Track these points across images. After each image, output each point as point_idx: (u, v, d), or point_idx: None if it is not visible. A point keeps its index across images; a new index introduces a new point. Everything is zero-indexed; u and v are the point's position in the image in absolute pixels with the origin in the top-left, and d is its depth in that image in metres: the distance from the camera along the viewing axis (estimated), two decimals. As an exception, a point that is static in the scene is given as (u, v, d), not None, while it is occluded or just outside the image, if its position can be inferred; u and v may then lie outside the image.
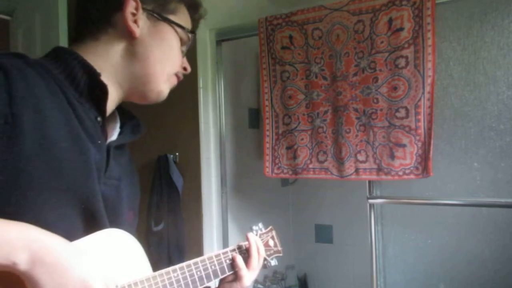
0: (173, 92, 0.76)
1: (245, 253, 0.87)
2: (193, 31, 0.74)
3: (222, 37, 1.81)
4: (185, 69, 0.77)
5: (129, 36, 0.66)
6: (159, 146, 1.78)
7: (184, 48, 0.75)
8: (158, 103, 0.75)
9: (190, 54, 1.71)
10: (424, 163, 1.38)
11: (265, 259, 0.92)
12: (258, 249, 0.88)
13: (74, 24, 0.70)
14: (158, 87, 0.71)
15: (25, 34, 1.91)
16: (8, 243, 0.46)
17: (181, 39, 0.73)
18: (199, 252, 1.72)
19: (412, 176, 1.41)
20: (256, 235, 0.92)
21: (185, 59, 0.77)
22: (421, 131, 1.39)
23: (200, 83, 1.72)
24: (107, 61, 0.67)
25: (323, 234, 2.33)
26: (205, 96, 1.75)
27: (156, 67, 0.69)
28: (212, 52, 1.80)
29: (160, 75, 0.70)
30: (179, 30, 0.71)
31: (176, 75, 0.75)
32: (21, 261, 0.47)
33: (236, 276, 0.83)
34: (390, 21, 1.41)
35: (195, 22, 0.77)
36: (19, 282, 0.48)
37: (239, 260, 0.83)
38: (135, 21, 0.66)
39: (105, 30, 0.67)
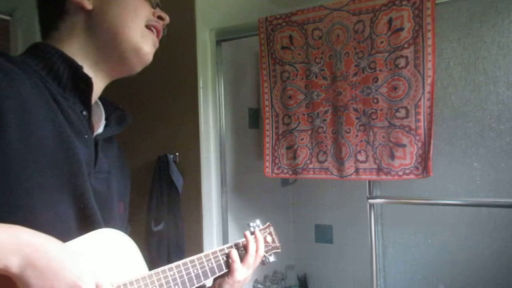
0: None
1: (242, 250, 0.87)
2: None
3: (222, 37, 1.80)
4: (160, 18, 0.73)
5: (83, 11, 0.66)
6: (159, 146, 1.78)
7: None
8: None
9: (190, 54, 1.72)
10: (424, 163, 1.38)
11: (263, 255, 0.91)
12: (258, 248, 0.88)
13: (39, 22, 0.70)
14: (132, 43, 0.68)
15: (25, 34, 1.91)
16: None
17: None
18: (199, 252, 1.71)
19: (412, 176, 1.41)
20: (253, 231, 0.91)
21: (158, 9, 0.73)
22: (421, 131, 1.39)
23: (200, 83, 1.72)
24: (74, 44, 0.66)
25: (323, 234, 2.33)
26: (205, 96, 1.75)
27: (118, 25, 0.67)
28: (212, 52, 1.79)
29: (126, 30, 0.67)
30: None
31: (153, 26, 0.71)
32: (13, 265, 0.46)
33: (229, 270, 0.82)
34: (390, 21, 1.41)
35: None
36: (13, 283, 0.48)
37: (234, 253, 0.83)
38: None
39: (60, 18, 0.67)
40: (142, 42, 0.69)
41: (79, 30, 0.67)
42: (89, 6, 0.66)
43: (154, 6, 0.72)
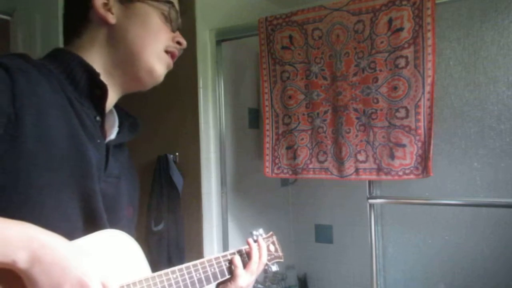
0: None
1: (245, 257, 0.87)
2: (169, 1, 0.71)
3: (222, 37, 1.80)
4: (179, 43, 0.74)
5: (107, 25, 0.67)
6: (159, 146, 1.78)
7: (171, 21, 0.72)
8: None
9: (190, 54, 1.72)
10: (424, 163, 1.38)
11: (265, 264, 0.91)
12: (261, 255, 0.88)
13: (63, 29, 0.71)
14: (147, 64, 0.69)
15: (25, 34, 1.91)
16: (8, 242, 0.47)
17: (163, 14, 0.71)
18: (199, 252, 1.72)
19: (412, 176, 1.41)
20: (256, 239, 0.91)
21: (178, 33, 0.74)
22: (421, 131, 1.39)
23: (200, 83, 1.72)
24: (93, 54, 0.67)
25: (323, 234, 2.33)
26: (205, 96, 1.75)
27: (137, 45, 0.68)
28: (212, 52, 1.79)
29: (144, 51, 0.69)
30: (154, 3, 0.69)
31: (170, 51, 0.73)
32: (21, 260, 0.47)
33: (231, 275, 0.82)
34: (390, 21, 1.41)
35: None
36: (18, 279, 0.48)
37: (237, 259, 0.84)
38: (109, 10, 0.67)
39: (84, 26, 0.68)
40: (157, 64, 0.71)
41: (100, 41, 0.68)
42: (112, 20, 0.67)
43: (174, 30, 0.73)
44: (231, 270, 0.83)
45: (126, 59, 0.69)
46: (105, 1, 0.67)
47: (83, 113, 0.62)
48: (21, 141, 0.52)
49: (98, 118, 0.66)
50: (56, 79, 0.60)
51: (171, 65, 0.75)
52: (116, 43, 0.68)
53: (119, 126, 0.74)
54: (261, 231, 0.95)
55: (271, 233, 1.00)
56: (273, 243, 0.98)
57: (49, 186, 0.55)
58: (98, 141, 0.64)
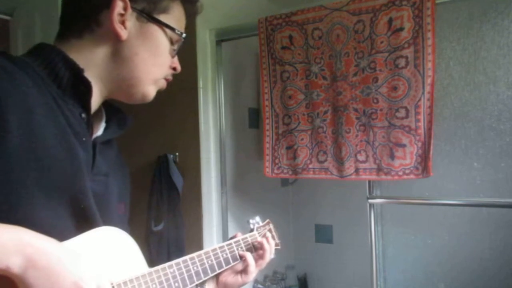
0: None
1: (253, 250, 0.89)
2: (183, 33, 0.71)
3: (222, 37, 1.80)
4: (174, 69, 0.74)
5: (115, 38, 0.64)
6: (159, 146, 1.78)
7: (176, 48, 0.72)
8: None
9: (190, 54, 1.72)
10: (424, 163, 1.38)
11: None
12: (271, 253, 0.91)
13: (59, 20, 0.67)
14: (143, 90, 0.70)
15: (25, 34, 1.91)
16: (1, 247, 0.46)
17: (171, 39, 0.70)
18: (199, 252, 1.71)
19: (412, 176, 1.41)
20: (253, 228, 0.93)
21: (175, 59, 0.74)
22: (421, 131, 1.39)
23: (200, 83, 1.72)
24: (91, 60, 0.65)
25: (323, 234, 2.33)
26: (205, 96, 1.75)
27: (141, 71, 0.67)
28: (212, 52, 1.79)
29: (145, 78, 0.69)
30: (168, 31, 0.69)
31: (166, 79, 0.73)
32: (14, 265, 0.46)
33: (244, 271, 0.86)
34: (390, 21, 1.41)
35: (190, 17, 0.75)
36: (12, 284, 0.48)
37: (250, 258, 0.86)
38: (123, 22, 0.64)
39: (90, 28, 0.64)
40: (153, 90, 0.72)
41: (103, 51, 0.65)
42: (124, 36, 0.64)
43: (173, 56, 0.73)
44: (229, 261, 0.84)
45: (126, 79, 0.67)
46: (122, 11, 0.63)
47: (68, 111, 0.61)
48: (7, 141, 0.51)
49: (83, 115, 0.64)
50: (38, 76, 0.59)
51: (164, 86, 0.75)
52: (120, 61, 0.66)
53: (107, 122, 0.72)
54: (257, 219, 0.96)
55: (267, 220, 1.01)
56: (270, 230, 0.99)
57: (40, 186, 0.54)
58: (84, 139, 0.63)
